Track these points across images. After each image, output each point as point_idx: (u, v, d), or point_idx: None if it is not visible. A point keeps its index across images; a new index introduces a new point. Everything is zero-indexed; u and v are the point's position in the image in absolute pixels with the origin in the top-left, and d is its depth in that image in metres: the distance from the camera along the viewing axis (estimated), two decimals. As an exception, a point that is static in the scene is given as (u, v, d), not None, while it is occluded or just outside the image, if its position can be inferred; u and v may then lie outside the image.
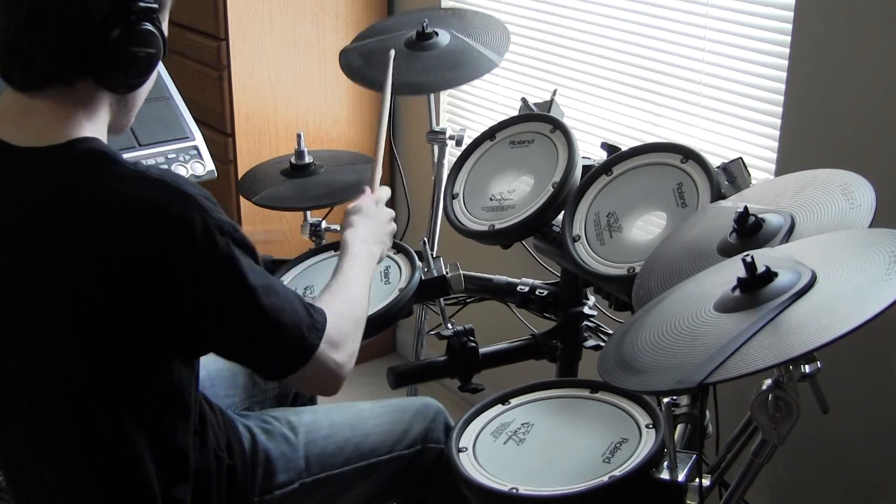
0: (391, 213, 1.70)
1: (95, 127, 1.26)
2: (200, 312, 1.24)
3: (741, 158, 1.63)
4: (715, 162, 1.64)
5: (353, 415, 1.63)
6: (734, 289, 1.15)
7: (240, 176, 2.23)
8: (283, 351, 1.31)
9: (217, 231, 1.22)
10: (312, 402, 1.89)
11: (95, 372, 1.25)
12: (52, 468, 1.33)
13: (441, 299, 1.80)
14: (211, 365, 1.72)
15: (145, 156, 2.10)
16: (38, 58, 1.21)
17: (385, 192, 1.72)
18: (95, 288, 1.20)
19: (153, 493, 1.32)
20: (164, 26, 1.30)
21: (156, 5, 1.24)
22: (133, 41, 1.22)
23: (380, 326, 1.62)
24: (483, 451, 1.39)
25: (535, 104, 1.94)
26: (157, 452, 1.32)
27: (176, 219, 1.19)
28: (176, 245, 1.20)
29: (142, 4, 1.22)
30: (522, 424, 1.43)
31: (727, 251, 1.33)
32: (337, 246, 1.83)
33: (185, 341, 1.27)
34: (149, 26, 1.24)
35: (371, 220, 1.64)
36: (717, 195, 1.57)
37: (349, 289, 1.48)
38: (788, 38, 1.88)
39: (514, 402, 1.49)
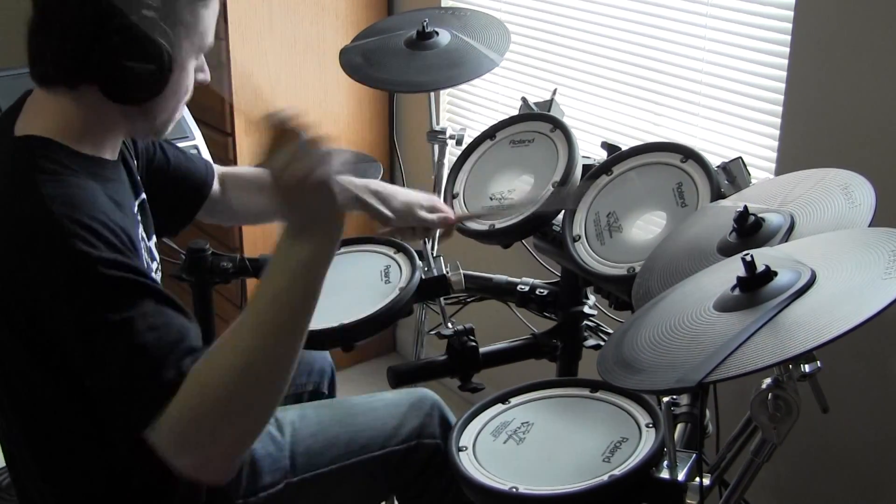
0: (306, 174, 1.09)
1: (89, 136, 1.26)
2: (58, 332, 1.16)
3: (741, 158, 1.63)
4: (715, 161, 1.64)
5: (344, 411, 1.62)
6: (734, 288, 1.15)
7: (240, 176, 2.23)
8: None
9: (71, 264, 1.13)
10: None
11: (51, 376, 1.24)
12: (35, 466, 1.33)
13: (441, 299, 1.81)
14: None
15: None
16: (46, 57, 1.23)
17: (287, 157, 1.10)
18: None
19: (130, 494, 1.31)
20: (193, 40, 1.27)
21: (153, 14, 1.20)
22: (129, 55, 1.21)
23: (380, 326, 1.62)
24: (483, 451, 1.39)
25: (535, 104, 1.94)
26: (131, 455, 1.30)
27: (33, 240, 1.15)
28: (31, 266, 1.15)
29: (140, 15, 1.20)
30: (522, 424, 1.43)
31: (727, 250, 1.33)
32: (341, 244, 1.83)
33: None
34: (149, 41, 1.21)
35: (291, 206, 1.11)
36: (717, 195, 1.57)
37: (227, 345, 1.10)
38: (788, 38, 1.88)
39: (513, 401, 1.49)
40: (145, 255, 1.25)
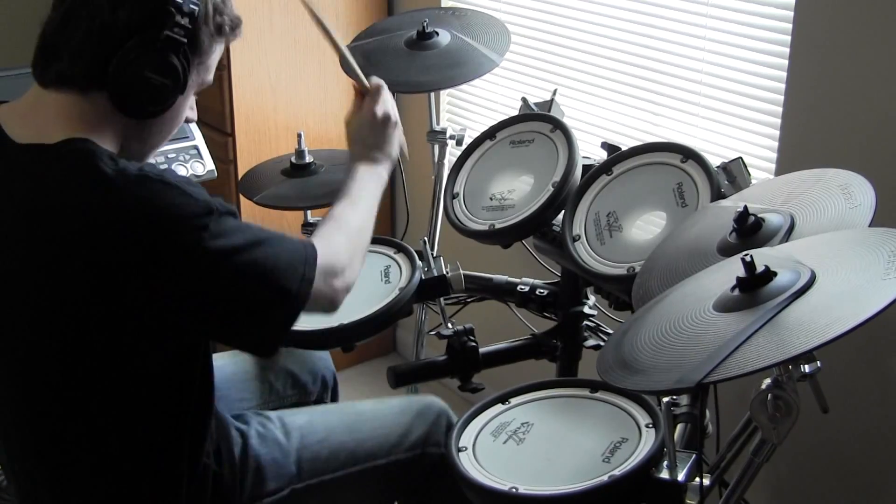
0: (385, 108, 1.60)
1: (99, 140, 1.25)
2: (187, 300, 1.23)
3: (741, 158, 1.63)
4: (715, 162, 1.64)
5: (351, 417, 1.61)
6: (733, 288, 1.15)
7: (240, 176, 2.23)
8: (269, 313, 1.29)
9: (194, 219, 1.20)
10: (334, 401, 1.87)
11: (85, 374, 1.25)
12: (41, 470, 1.33)
13: (441, 299, 1.80)
14: (227, 368, 1.72)
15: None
16: (63, 56, 1.23)
17: (377, 87, 1.61)
18: (78, 288, 1.20)
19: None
20: (200, 71, 1.31)
21: (184, 40, 1.24)
22: (150, 66, 1.22)
23: (380, 326, 1.62)
24: (483, 451, 1.39)
25: (535, 104, 1.94)
26: (145, 459, 1.32)
27: (155, 216, 1.18)
28: (155, 242, 1.18)
29: (169, 34, 1.22)
30: (522, 424, 1.43)
31: (727, 251, 1.33)
32: None
33: (178, 332, 1.26)
34: (172, 58, 1.24)
35: (366, 129, 1.58)
36: (717, 195, 1.57)
37: (349, 217, 1.46)
38: (788, 38, 1.88)
39: (513, 401, 1.49)
40: None
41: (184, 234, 1.19)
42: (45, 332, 1.24)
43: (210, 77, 1.36)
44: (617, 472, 1.27)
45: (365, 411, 1.63)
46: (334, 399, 1.85)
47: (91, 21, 1.21)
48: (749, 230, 1.33)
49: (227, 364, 1.74)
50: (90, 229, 1.18)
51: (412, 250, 1.76)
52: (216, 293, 1.24)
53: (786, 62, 1.90)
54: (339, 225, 1.44)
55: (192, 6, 1.24)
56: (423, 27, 2.08)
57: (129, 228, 1.17)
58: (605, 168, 1.73)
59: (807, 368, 1.21)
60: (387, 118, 1.59)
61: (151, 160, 1.97)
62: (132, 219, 1.17)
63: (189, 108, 1.38)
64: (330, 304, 1.38)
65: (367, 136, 1.58)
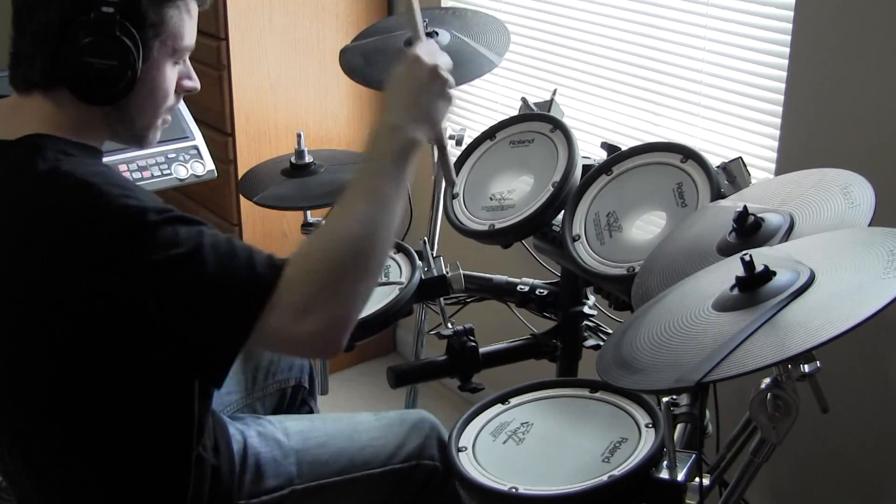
0: (434, 59, 1.31)
1: (82, 132, 1.26)
2: (118, 315, 1.16)
3: (741, 158, 1.63)
4: (715, 162, 1.64)
5: (350, 426, 1.62)
6: (733, 288, 1.15)
7: (240, 176, 2.23)
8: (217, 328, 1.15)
9: (115, 225, 1.14)
10: (309, 405, 1.88)
11: (57, 377, 1.23)
12: (27, 471, 1.33)
13: (441, 299, 1.80)
14: None
15: (145, 155, 2.10)
16: (22, 61, 1.25)
17: (430, 48, 1.35)
18: (35, 287, 1.18)
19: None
20: (165, 41, 1.26)
21: (116, 16, 1.20)
22: (89, 52, 1.20)
23: (379, 326, 1.62)
24: (482, 451, 1.39)
25: (535, 104, 1.94)
26: (139, 463, 1.31)
27: (70, 218, 1.15)
28: (79, 244, 1.15)
29: (97, 15, 1.20)
30: (522, 424, 1.43)
31: (726, 250, 1.33)
32: None
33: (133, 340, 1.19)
34: (109, 38, 1.20)
35: (410, 89, 1.30)
36: (717, 195, 1.57)
37: (340, 226, 1.21)
38: (788, 38, 1.88)
39: (513, 401, 1.49)
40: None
41: (100, 239, 1.14)
42: (18, 333, 1.23)
43: (184, 42, 1.30)
44: (617, 472, 1.27)
45: (362, 421, 1.65)
46: (311, 384, 1.86)
47: (33, 22, 1.22)
48: (749, 230, 1.33)
49: None
50: (27, 227, 1.18)
51: (412, 250, 1.76)
52: (136, 310, 1.15)
53: (786, 62, 1.90)
54: (323, 239, 1.21)
55: None
56: (423, 27, 2.07)
57: (51, 229, 1.16)
58: (605, 168, 1.73)
59: (806, 368, 1.21)
60: (435, 72, 1.31)
61: (152, 161, 1.96)
62: (51, 218, 1.16)
63: (184, 78, 1.33)
64: (309, 349, 1.24)
65: (405, 93, 1.30)
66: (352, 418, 1.66)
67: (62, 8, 1.20)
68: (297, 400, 1.84)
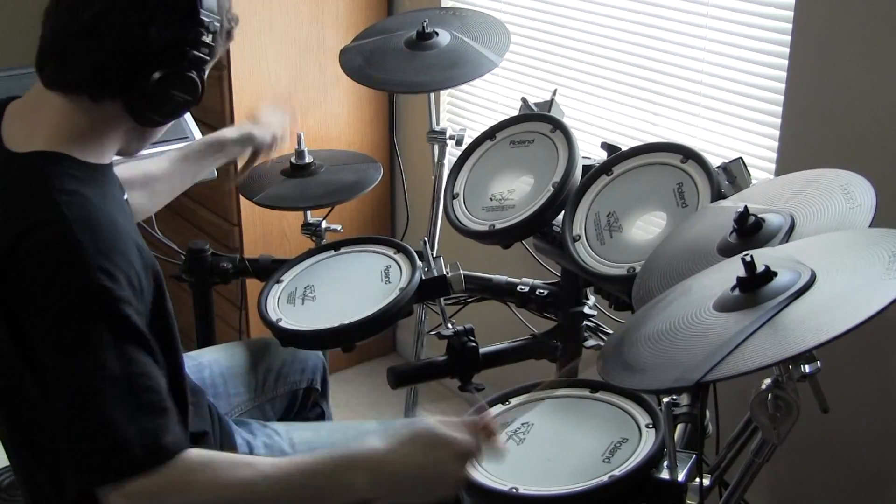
0: (458, 449, 1.21)
1: (94, 144, 1.25)
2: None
3: (741, 158, 1.63)
4: (715, 162, 1.64)
5: (354, 434, 1.62)
6: (733, 288, 1.15)
7: (240, 176, 2.23)
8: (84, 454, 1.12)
9: (67, 285, 1.13)
10: (320, 406, 1.87)
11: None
12: (15, 461, 1.33)
13: (441, 299, 1.80)
14: (223, 361, 1.72)
15: (145, 156, 2.09)
16: (82, 65, 1.21)
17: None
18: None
19: None
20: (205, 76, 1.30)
21: (208, 58, 1.26)
22: (176, 85, 1.24)
23: (380, 326, 1.62)
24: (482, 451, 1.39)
25: (535, 104, 1.94)
26: None
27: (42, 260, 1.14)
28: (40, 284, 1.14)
29: (196, 54, 1.24)
30: (522, 424, 1.43)
31: (727, 251, 1.33)
32: (338, 245, 1.83)
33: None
34: (195, 76, 1.25)
35: (424, 465, 1.20)
36: (717, 195, 1.57)
37: (264, 491, 1.16)
38: (788, 38, 1.88)
39: (513, 401, 1.49)
40: (136, 253, 1.24)
41: (53, 295, 1.13)
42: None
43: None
44: (617, 472, 1.27)
45: (368, 430, 1.65)
46: (324, 387, 1.86)
47: (118, 39, 1.20)
48: (749, 230, 1.33)
49: (222, 358, 1.75)
50: (6, 249, 1.16)
51: (412, 250, 1.76)
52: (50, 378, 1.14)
53: (786, 62, 1.90)
54: (229, 494, 1.14)
55: (215, 24, 1.26)
56: (423, 27, 2.08)
57: (22, 263, 1.15)
58: (605, 168, 1.73)
59: (807, 368, 1.21)
60: (463, 459, 1.21)
61: (151, 154, 1.94)
62: (27, 258, 1.15)
63: None
64: None
65: (415, 468, 1.21)
66: (357, 427, 1.65)
67: (161, 37, 1.20)
68: (308, 402, 1.83)
